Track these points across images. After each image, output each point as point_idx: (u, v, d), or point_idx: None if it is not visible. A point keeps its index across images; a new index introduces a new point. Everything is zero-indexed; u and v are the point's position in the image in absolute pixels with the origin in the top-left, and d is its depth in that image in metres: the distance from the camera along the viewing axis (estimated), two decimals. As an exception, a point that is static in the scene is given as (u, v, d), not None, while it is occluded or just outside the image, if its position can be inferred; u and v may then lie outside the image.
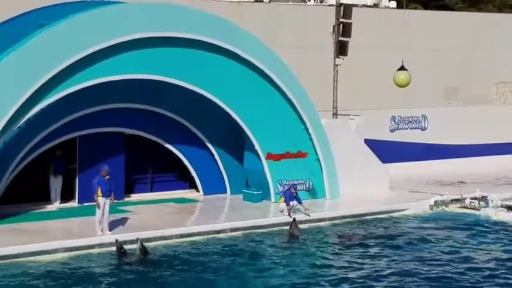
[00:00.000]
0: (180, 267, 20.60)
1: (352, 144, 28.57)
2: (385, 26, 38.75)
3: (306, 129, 27.16)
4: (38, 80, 22.70)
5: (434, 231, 24.96)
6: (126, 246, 21.58)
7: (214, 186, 27.79)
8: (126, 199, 26.62)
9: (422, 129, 33.77)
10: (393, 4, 41.55)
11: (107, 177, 22.27)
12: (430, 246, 23.06)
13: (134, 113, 26.18)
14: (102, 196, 22.19)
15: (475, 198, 28.49)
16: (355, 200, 27.16)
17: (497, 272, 20.71)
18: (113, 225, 22.97)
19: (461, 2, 56.69)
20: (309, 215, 25.03)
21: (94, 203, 22.39)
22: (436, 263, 21.43)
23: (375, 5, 40.91)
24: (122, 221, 23.71)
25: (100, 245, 21.74)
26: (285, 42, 33.82)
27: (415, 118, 33.70)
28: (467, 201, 28.41)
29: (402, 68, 29.97)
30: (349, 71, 32.19)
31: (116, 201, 24.12)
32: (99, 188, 22.19)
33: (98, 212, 22.16)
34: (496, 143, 35.19)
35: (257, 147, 26.72)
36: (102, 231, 22.16)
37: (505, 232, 25.04)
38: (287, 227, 24.20)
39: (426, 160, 33.10)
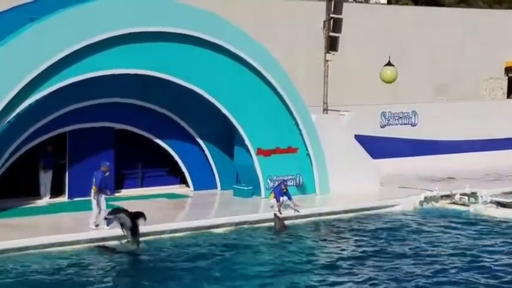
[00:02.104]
0: (170, 262, 20.58)
1: (343, 139, 28.57)
2: (376, 21, 38.78)
3: (296, 124, 27.16)
4: (27, 75, 22.63)
5: (424, 227, 25.01)
6: (117, 242, 21.64)
7: (204, 181, 27.77)
8: (117, 194, 26.57)
9: (412, 125, 33.77)
10: (384, -1, 41.64)
11: (107, 173, 22.35)
12: (419, 242, 23.10)
13: (124, 107, 26.13)
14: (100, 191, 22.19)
15: (465, 194, 28.55)
16: (345, 195, 27.16)
17: (487, 267, 20.76)
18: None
19: (451, -3, 56.73)
20: (299, 211, 25.03)
21: (83, 198, 22.41)
22: (424, 258, 21.47)
23: (366, 1, 40.96)
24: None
25: (90, 240, 21.71)
26: (274, 37, 33.78)
27: (405, 114, 33.72)
28: (457, 197, 28.46)
29: (389, 64, 29.99)
30: (340, 66, 32.19)
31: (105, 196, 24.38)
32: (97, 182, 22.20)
33: (95, 207, 22.13)
34: (486, 139, 35.25)
35: (247, 142, 26.70)
36: (95, 226, 22.09)
37: (494, 228, 25.10)
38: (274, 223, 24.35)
39: (416, 156, 33.12)
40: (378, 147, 31.01)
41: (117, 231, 21.98)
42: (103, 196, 22.32)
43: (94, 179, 22.28)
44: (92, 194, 22.23)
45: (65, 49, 23.02)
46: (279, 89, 26.60)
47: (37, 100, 23.14)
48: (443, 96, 40.20)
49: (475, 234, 24.21)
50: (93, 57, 23.58)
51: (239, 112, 26.31)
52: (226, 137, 27.17)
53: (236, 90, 26.08)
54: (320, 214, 25.72)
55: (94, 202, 22.17)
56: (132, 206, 24.98)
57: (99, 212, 22.21)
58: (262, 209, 25.58)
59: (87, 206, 23.17)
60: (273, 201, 25.13)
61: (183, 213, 25.51)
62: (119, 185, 27.01)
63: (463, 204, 28.07)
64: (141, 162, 27.47)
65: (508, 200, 27.87)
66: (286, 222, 24.48)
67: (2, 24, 24.47)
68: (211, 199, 26.90)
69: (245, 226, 24.13)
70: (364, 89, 36.35)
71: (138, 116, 26.40)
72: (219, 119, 26.56)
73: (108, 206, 24.66)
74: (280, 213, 24.59)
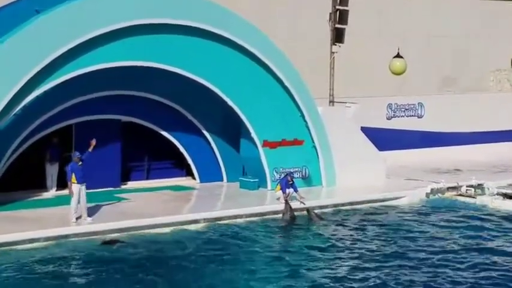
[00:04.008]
0: (176, 254, 20.59)
1: (349, 131, 28.54)
2: (382, 12, 38.67)
3: (302, 116, 27.14)
4: (34, 67, 22.63)
5: (430, 219, 24.99)
6: (124, 234, 21.75)
7: (210, 173, 27.79)
8: (123, 186, 26.63)
9: (418, 117, 33.74)
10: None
11: (80, 163, 22.16)
12: (425, 234, 23.08)
13: (130, 100, 26.13)
14: (77, 183, 22.07)
15: (471, 186, 28.54)
16: (351, 187, 27.15)
17: (494, 259, 20.73)
18: (108, 213, 23.02)
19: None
20: (304, 203, 24.99)
21: (89, 191, 22.45)
22: (430, 250, 21.45)
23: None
24: (118, 209, 23.73)
25: (97, 233, 21.73)
26: (279, 28, 33.70)
27: (412, 106, 33.68)
28: (463, 189, 28.46)
29: (398, 56, 29.91)
30: (346, 58, 32.12)
31: (110, 188, 24.26)
32: (73, 175, 22.10)
33: (74, 199, 22.05)
34: (492, 131, 35.20)
35: (253, 134, 26.70)
36: (76, 220, 22.03)
37: (500, 220, 25.06)
38: (283, 215, 24.40)
39: (422, 148, 33.08)
40: (384, 139, 30.97)
41: (120, 223, 22.05)
42: (83, 188, 22.17)
43: (69, 173, 22.11)
44: (71, 187, 22.04)
45: (72, 41, 23.00)
46: (285, 81, 26.58)
47: (44, 92, 23.15)
48: (449, 88, 40.10)
49: (482, 226, 24.17)
50: (99, 49, 23.57)
51: (245, 104, 26.30)
52: (232, 129, 27.17)
53: (242, 82, 26.07)
54: (326, 206, 25.70)
55: (75, 196, 21.97)
56: (138, 198, 25.16)
57: (79, 204, 22.07)
58: (268, 201, 25.58)
59: (93, 199, 23.24)
60: (279, 193, 25.14)
61: (189, 205, 25.52)
62: (125, 177, 27.04)
63: (470, 196, 28.04)
64: (148, 155, 27.50)
65: (514, 192, 27.88)
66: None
67: (9, 16, 24.47)
68: (217, 191, 26.91)
69: (251, 218, 24.12)
70: (369, 80, 36.25)
71: (144, 109, 26.40)
72: (225, 111, 26.56)
73: (114, 198, 24.84)
74: (288, 204, 24.56)
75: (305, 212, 24.54)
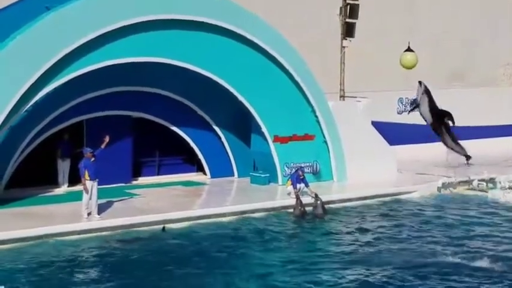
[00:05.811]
0: (186, 250, 20.61)
1: (360, 126, 28.51)
2: (391, 7, 38.57)
3: (313, 111, 27.12)
4: (44, 63, 22.68)
5: (442, 213, 24.96)
6: (134, 229, 21.77)
7: (221, 169, 27.81)
8: (134, 182, 26.68)
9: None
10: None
11: (93, 159, 22.10)
12: (436, 229, 23.04)
13: (141, 95, 26.17)
14: (90, 179, 22.02)
15: (483, 180, 28.49)
16: (362, 182, 27.13)
17: (505, 254, 20.67)
18: (119, 208, 23.06)
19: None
20: (315, 198, 24.93)
21: (101, 187, 22.47)
22: (442, 244, 21.42)
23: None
24: (129, 204, 23.76)
25: (108, 229, 21.78)
26: (288, 23, 33.62)
27: (423, 100, 33.51)
28: (475, 183, 28.42)
29: (409, 49, 29.84)
30: (356, 52, 32.06)
31: (121, 184, 24.26)
32: (86, 171, 22.05)
33: (86, 196, 22.04)
34: (504, 125, 35.08)
35: (264, 129, 26.70)
36: (88, 215, 22.04)
37: (512, 214, 25.08)
38: (293, 210, 24.39)
39: (434, 142, 32.98)
40: (395, 134, 30.90)
41: (132, 219, 22.10)
42: (95, 184, 22.14)
43: (82, 169, 22.02)
44: (85, 184, 21.95)
45: (82, 37, 23.04)
46: (296, 76, 26.56)
47: (55, 88, 23.21)
48: (459, 82, 39.98)
49: (493, 220, 24.12)
50: (109, 46, 23.59)
51: (256, 99, 26.30)
52: (242, 124, 27.18)
53: (253, 77, 26.06)
54: (337, 201, 25.69)
55: (87, 191, 21.96)
56: (149, 194, 25.19)
57: (90, 200, 22.07)
58: (279, 196, 25.59)
59: (104, 194, 23.26)
60: (290, 188, 25.13)
61: (200, 200, 25.54)
62: (136, 173, 27.09)
63: (481, 190, 28.00)
64: (158, 150, 27.54)
65: (526, 186, 27.83)
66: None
67: (19, 14, 24.53)
68: (228, 187, 26.93)
69: (262, 213, 24.13)
70: (380, 75, 36.17)
71: (155, 104, 26.43)
72: (235, 106, 26.56)
73: (125, 193, 24.87)
74: (298, 199, 24.56)
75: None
